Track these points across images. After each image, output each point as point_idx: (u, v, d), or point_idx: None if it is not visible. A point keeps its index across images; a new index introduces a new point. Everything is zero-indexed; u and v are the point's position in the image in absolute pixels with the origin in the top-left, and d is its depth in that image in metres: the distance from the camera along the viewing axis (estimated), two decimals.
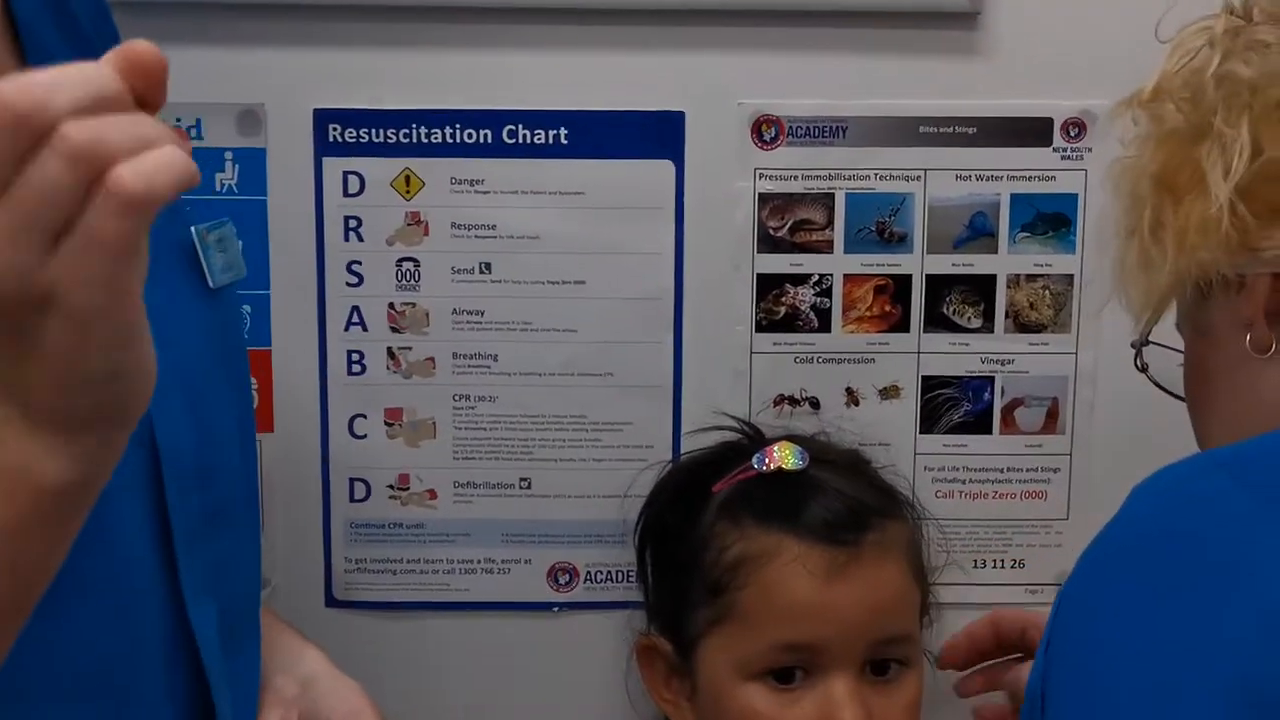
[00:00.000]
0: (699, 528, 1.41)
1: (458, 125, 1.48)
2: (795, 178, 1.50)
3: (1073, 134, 1.49)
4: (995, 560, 1.57)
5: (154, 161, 0.68)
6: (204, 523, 1.05)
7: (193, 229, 1.10)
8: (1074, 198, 1.52)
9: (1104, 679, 0.79)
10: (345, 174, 1.50)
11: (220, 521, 1.09)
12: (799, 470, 1.41)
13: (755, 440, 1.47)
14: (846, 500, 1.39)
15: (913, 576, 1.41)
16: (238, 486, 1.14)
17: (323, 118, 1.48)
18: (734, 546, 1.38)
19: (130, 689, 0.99)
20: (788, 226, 1.51)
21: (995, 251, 1.52)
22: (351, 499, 1.55)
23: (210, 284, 1.10)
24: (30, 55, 0.99)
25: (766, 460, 1.42)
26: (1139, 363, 1.05)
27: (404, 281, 1.51)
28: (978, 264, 1.52)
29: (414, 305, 1.52)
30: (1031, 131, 1.50)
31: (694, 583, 1.39)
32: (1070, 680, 0.81)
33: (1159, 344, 1.05)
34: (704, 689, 1.40)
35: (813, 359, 1.54)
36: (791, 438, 1.45)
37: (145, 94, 0.70)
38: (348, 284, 1.51)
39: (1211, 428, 1.00)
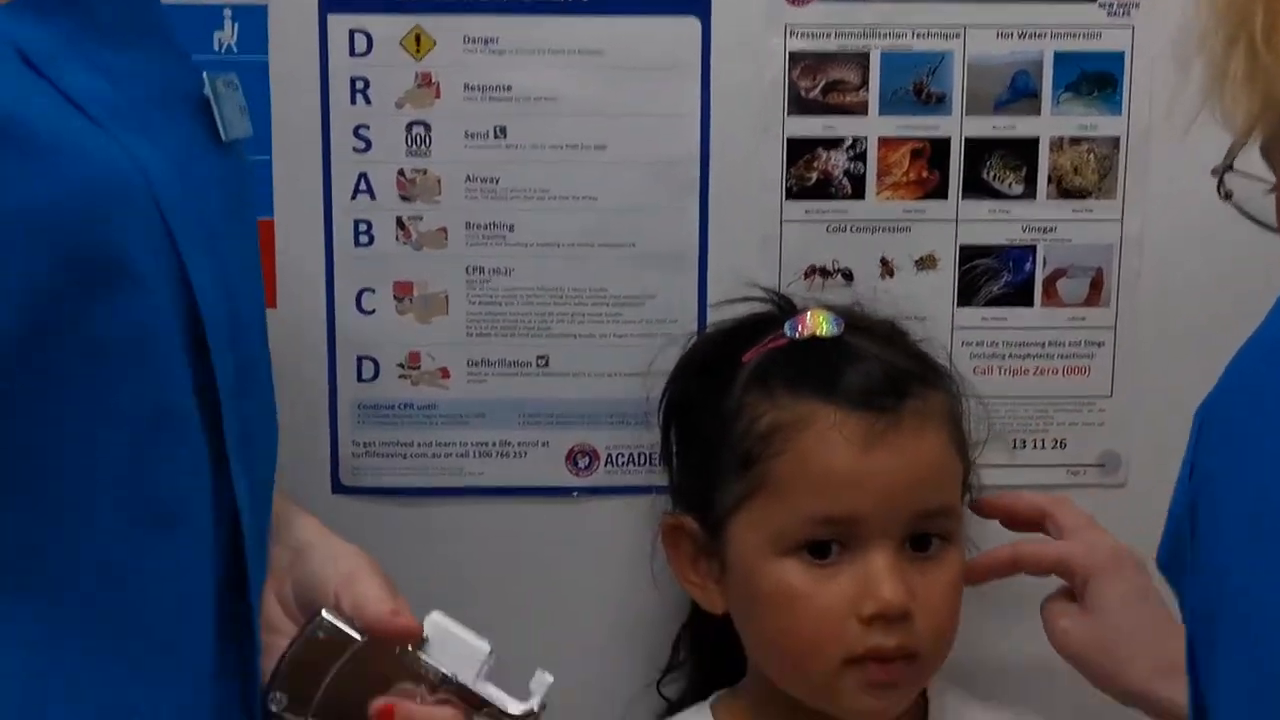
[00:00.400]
0: (728, 399, 1.35)
1: None
2: (828, 35, 1.44)
3: None
4: (1035, 440, 1.52)
5: None
6: (238, 380, 1.03)
7: (205, 75, 1.06)
8: (1120, 56, 1.45)
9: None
10: (351, 32, 1.43)
11: (248, 381, 1.06)
12: (834, 337, 1.35)
13: (786, 310, 1.41)
14: (884, 366, 1.33)
15: (954, 448, 1.35)
16: (258, 347, 1.10)
17: None
18: (766, 415, 1.32)
19: (179, 544, 0.99)
20: (820, 87, 1.45)
21: (1038, 113, 1.46)
22: (359, 379, 1.49)
23: (223, 136, 1.06)
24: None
25: (799, 327, 1.36)
26: (1222, 191, 0.97)
27: (414, 147, 1.44)
28: (1019, 126, 1.46)
29: (425, 172, 1.45)
30: None
31: (724, 456, 1.34)
32: (1233, 501, 0.74)
33: (1243, 172, 0.97)
34: (734, 567, 1.34)
35: (845, 228, 1.47)
36: (825, 306, 1.39)
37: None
38: (354, 150, 1.44)
39: None
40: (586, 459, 1.50)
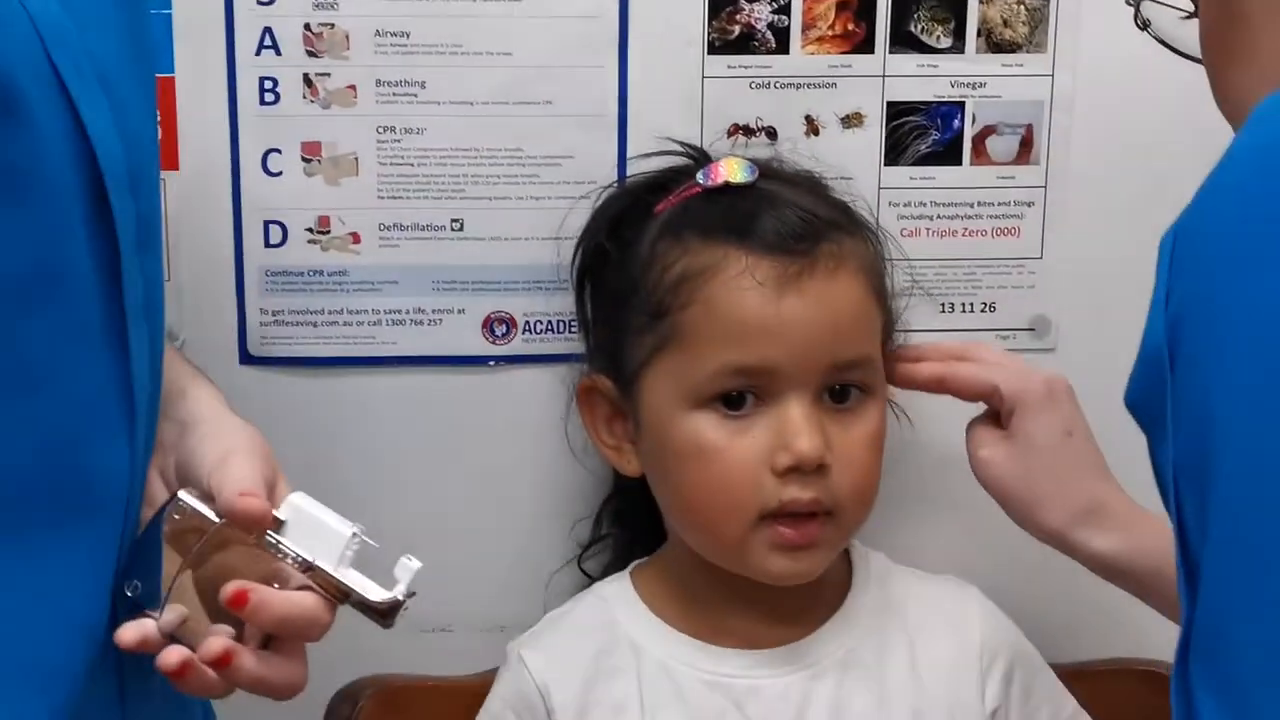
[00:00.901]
0: (640, 251, 1.31)
1: None
2: None
3: None
4: (964, 304, 1.48)
5: None
6: (139, 235, 0.97)
7: None
8: None
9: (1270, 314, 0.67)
10: None
11: (147, 238, 1.00)
12: (748, 184, 1.31)
13: (701, 163, 1.36)
14: (800, 212, 1.28)
15: (874, 297, 1.31)
16: (156, 201, 1.05)
17: None
18: (677, 264, 1.28)
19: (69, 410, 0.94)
20: None
21: None
22: (266, 244, 1.43)
23: None
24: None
25: (712, 175, 1.31)
26: (1140, 19, 0.93)
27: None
28: None
29: (332, 26, 1.39)
30: None
31: (635, 310, 1.30)
32: (1228, 328, 0.69)
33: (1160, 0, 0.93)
34: (647, 424, 1.30)
35: (769, 84, 1.43)
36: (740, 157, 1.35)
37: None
38: (259, 2, 1.38)
39: (1249, 82, 0.88)
40: (504, 327, 1.46)
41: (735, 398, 1.26)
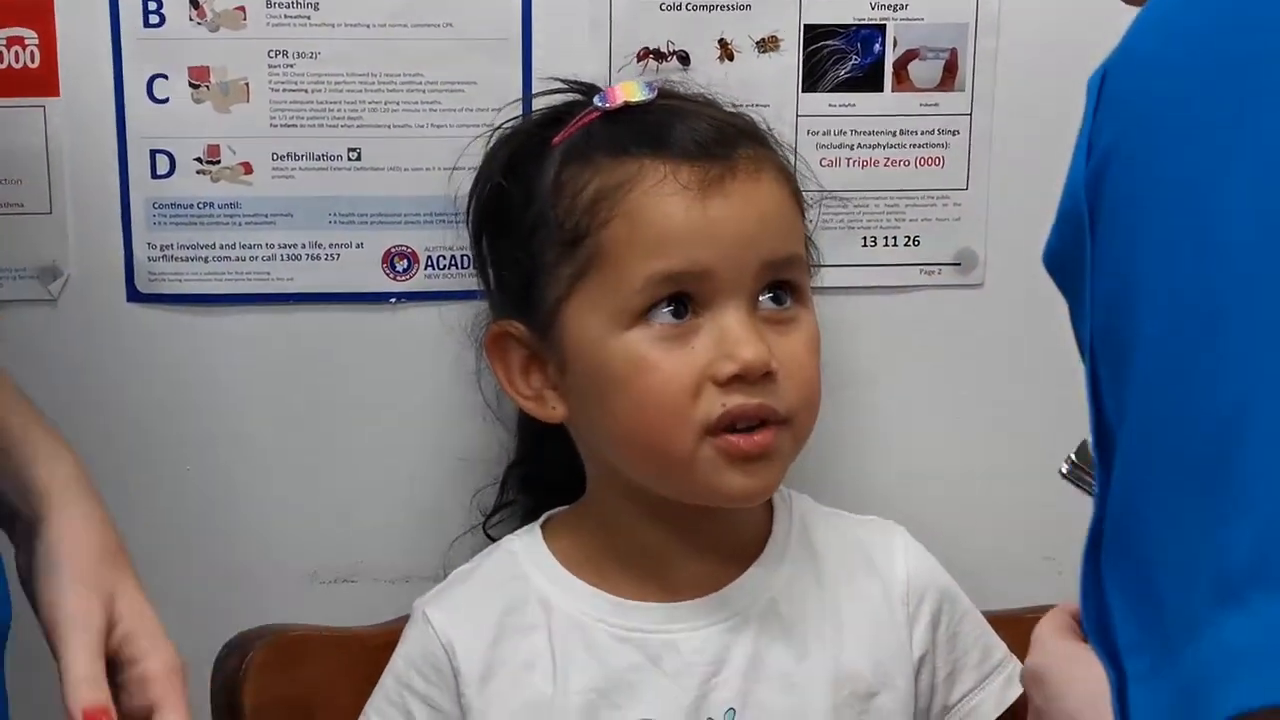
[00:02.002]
0: (543, 183, 1.25)
1: None
2: None
3: None
4: (887, 237, 1.43)
5: None
6: None
7: None
8: None
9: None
10: None
11: None
12: (648, 101, 1.26)
13: (594, 94, 1.31)
14: (711, 121, 1.25)
15: (795, 203, 1.27)
16: None
17: None
18: (589, 185, 1.23)
19: None
20: None
21: None
22: (153, 175, 1.36)
23: None
24: None
25: (609, 97, 1.27)
26: None
27: None
28: None
29: None
30: None
31: (547, 242, 1.24)
32: (1153, 175, 0.61)
33: None
34: (575, 360, 1.24)
35: (681, 5, 1.37)
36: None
37: None
38: None
39: None
40: (405, 262, 1.40)
41: (671, 306, 1.21)
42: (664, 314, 1.21)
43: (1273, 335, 0.57)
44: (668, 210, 1.21)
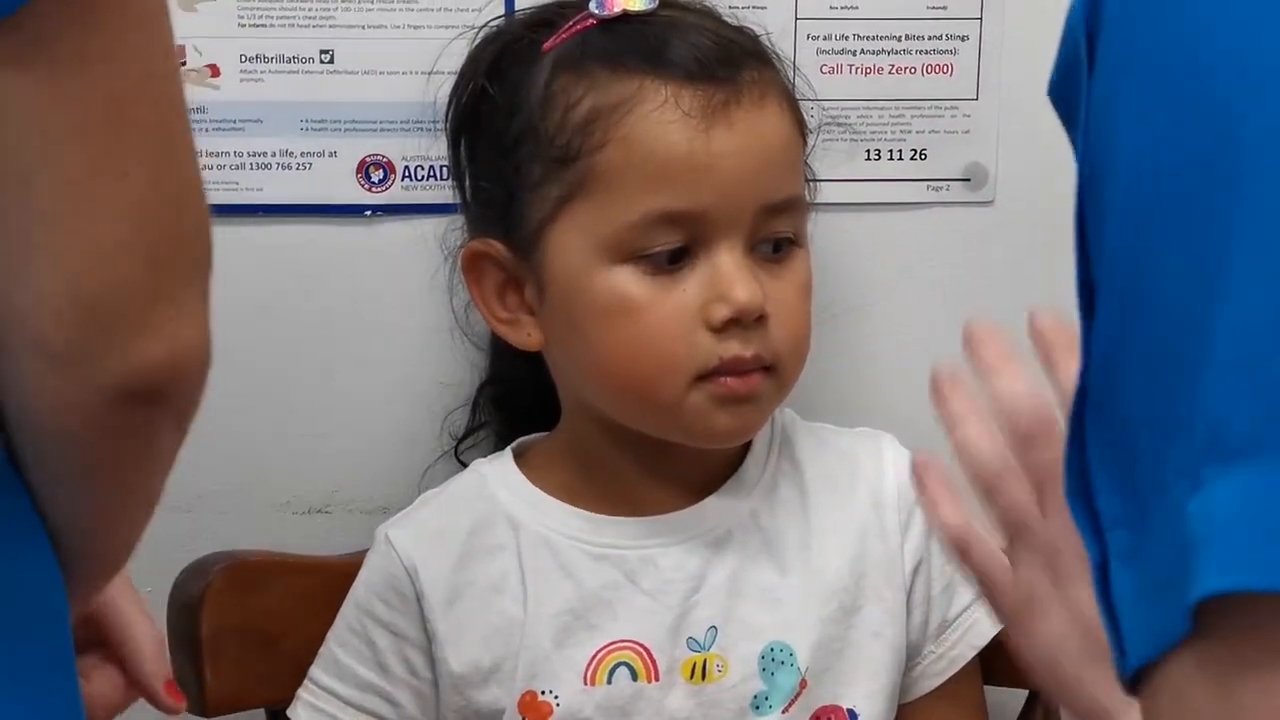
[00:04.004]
0: (532, 92, 1.21)
1: None
2: None
3: None
4: (892, 150, 1.39)
5: None
6: None
7: None
8: None
9: None
10: None
11: None
12: (648, 11, 1.22)
13: None
14: (714, 37, 1.21)
15: (798, 131, 1.24)
16: None
17: None
18: (584, 101, 1.19)
19: None
20: None
21: None
22: None
23: None
24: None
25: (606, 4, 1.22)
26: None
27: None
28: None
29: None
30: None
31: (534, 158, 1.20)
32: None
33: None
34: (555, 286, 1.20)
35: None
36: None
37: None
38: None
39: None
40: (380, 172, 1.36)
41: (668, 254, 1.18)
42: (656, 250, 1.18)
43: (1257, 189, 0.53)
44: (670, 139, 1.17)
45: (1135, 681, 0.55)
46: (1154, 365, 0.55)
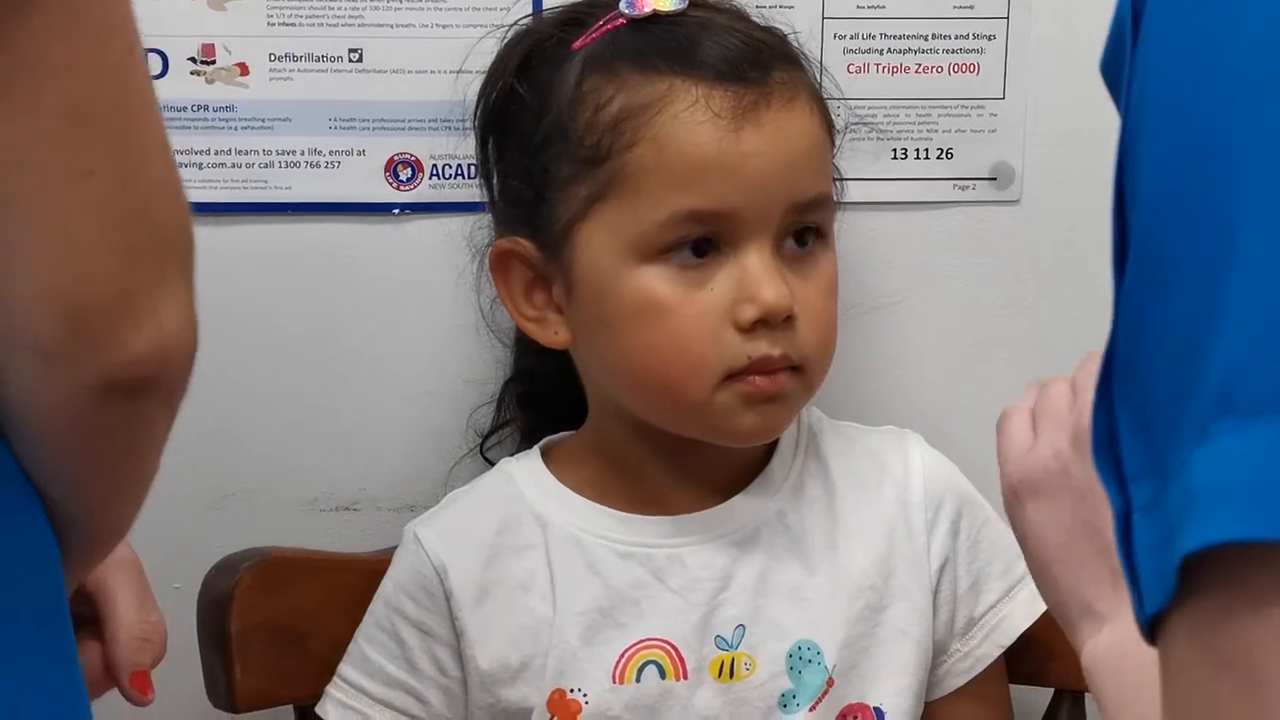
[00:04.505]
0: (562, 91, 1.21)
1: None
2: None
3: None
4: (919, 149, 1.38)
5: None
6: None
7: None
8: None
9: None
10: None
11: None
12: (678, 12, 1.22)
13: None
14: (744, 38, 1.21)
15: (826, 131, 1.24)
16: None
17: None
18: (614, 100, 1.19)
19: None
20: None
21: None
22: None
23: None
24: None
25: (636, 3, 1.22)
26: None
27: None
28: None
29: None
30: None
31: (563, 157, 1.20)
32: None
33: None
34: (584, 285, 1.20)
35: None
36: None
37: None
38: None
39: None
40: (409, 171, 1.36)
41: (694, 245, 1.18)
42: (684, 250, 1.18)
43: (1272, 154, 0.54)
44: (699, 140, 1.17)
45: (1151, 633, 0.56)
46: (1174, 325, 0.56)
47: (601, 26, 1.22)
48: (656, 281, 1.18)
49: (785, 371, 1.19)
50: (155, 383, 0.77)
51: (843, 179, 1.30)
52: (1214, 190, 0.55)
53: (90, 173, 0.73)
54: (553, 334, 1.23)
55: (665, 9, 1.21)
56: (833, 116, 1.26)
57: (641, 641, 1.21)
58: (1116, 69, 0.62)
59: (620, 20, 1.22)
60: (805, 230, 1.21)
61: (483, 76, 1.30)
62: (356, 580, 1.27)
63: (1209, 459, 0.53)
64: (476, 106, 1.29)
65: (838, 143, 1.28)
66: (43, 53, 0.71)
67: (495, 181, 1.29)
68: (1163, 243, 0.57)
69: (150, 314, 0.76)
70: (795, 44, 1.26)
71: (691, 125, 1.17)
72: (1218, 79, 0.56)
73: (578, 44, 1.22)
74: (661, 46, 1.20)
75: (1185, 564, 0.52)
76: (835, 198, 1.26)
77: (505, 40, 1.29)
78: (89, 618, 0.96)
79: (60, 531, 0.82)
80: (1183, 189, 0.56)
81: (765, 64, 1.20)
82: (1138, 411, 0.57)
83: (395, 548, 1.28)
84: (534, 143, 1.22)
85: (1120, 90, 0.62)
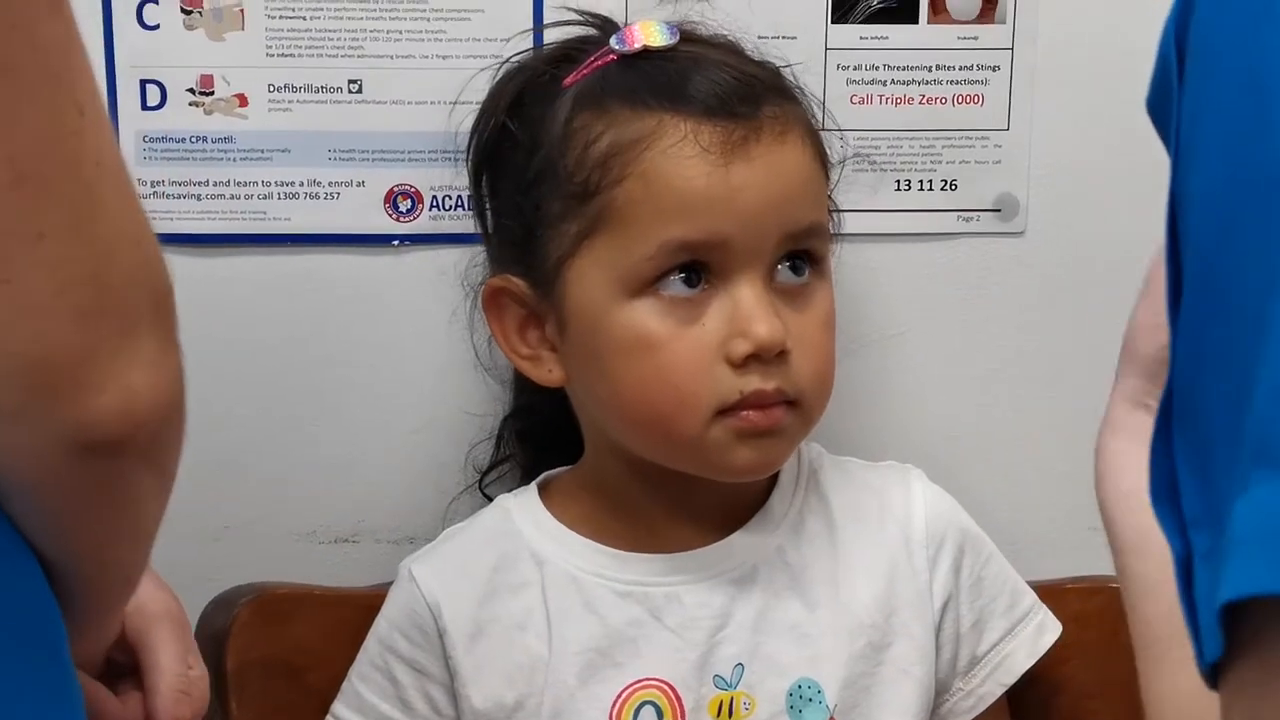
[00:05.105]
0: (552, 128, 1.20)
1: None
2: None
3: None
4: (922, 181, 1.37)
5: None
6: None
7: None
8: None
9: None
10: None
11: None
12: (669, 47, 1.20)
13: (610, 31, 1.25)
14: (734, 73, 1.19)
15: (820, 165, 1.22)
16: None
17: None
18: (603, 137, 1.17)
19: None
20: None
21: None
22: (143, 106, 1.31)
23: None
24: None
25: (627, 39, 1.20)
26: None
27: None
28: None
29: None
30: None
31: (553, 194, 1.19)
32: (1215, 26, 0.58)
33: None
34: (575, 322, 1.19)
35: None
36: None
37: None
38: None
39: None
40: (408, 202, 1.34)
41: (685, 276, 1.16)
42: (675, 283, 1.16)
43: None
44: (687, 174, 1.15)
45: (1214, 681, 0.55)
46: (1225, 370, 0.55)
47: (593, 63, 1.20)
48: (647, 316, 1.16)
49: (780, 406, 1.17)
50: (128, 443, 0.74)
51: (839, 211, 1.28)
52: (1265, 231, 0.54)
53: (41, 235, 0.70)
54: (547, 372, 1.22)
55: (656, 44, 1.19)
56: (829, 150, 1.24)
57: (639, 681, 1.20)
58: (1164, 109, 0.62)
59: (611, 56, 1.20)
60: (799, 258, 1.19)
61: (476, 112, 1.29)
62: (354, 615, 1.26)
63: (1246, 508, 0.52)
64: (469, 142, 1.28)
65: (835, 176, 1.26)
66: None
67: (489, 218, 1.28)
68: (1213, 285, 0.56)
69: (114, 374, 0.72)
70: (790, 78, 1.24)
71: (680, 160, 1.15)
72: (1267, 116, 0.55)
73: (569, 80, 1.20)
74: (651, 82, 1.18)
75: (1234, 615, 0.51)
76: (831, 230, 1.24)
77: (498, 77, 1.28)
78: (131, 667, 0.95)
79: (61, 581, 0.80)
80: (1234, 229, 0.55)
81: (756, 99, 1.18)
82: (1196, 456, 0.56)
83: (390, 581, 1.27)
84: (526, 180, 1.21)
85: (1169, 131, 0.61)
